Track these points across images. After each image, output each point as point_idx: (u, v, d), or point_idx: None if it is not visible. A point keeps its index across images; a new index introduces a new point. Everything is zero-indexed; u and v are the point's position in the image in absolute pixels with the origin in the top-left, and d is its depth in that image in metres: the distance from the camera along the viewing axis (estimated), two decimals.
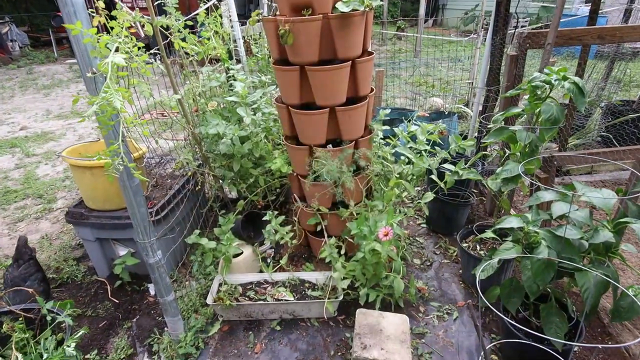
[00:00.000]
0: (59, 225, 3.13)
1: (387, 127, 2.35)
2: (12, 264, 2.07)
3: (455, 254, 2.63)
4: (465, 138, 3.52)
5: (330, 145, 2.12)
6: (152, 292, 2.36)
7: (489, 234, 1.78)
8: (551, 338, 1.29)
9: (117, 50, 1.20)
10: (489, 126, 2.09)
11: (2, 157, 4.51)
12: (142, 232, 1.61)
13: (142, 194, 1.54)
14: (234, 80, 2.47)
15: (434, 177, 2.22)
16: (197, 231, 2.10)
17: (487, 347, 1.74)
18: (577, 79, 1.71)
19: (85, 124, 5.54)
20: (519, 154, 1.88)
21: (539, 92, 1.82)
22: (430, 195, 2.20)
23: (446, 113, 3.59)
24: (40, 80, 8.38)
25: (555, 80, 1.75)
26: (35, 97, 7.13)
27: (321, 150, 2.01)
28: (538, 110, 1.82)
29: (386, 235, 1.73)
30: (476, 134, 3.41)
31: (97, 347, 2.02)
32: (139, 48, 1.38)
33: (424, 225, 2.96)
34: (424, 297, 2.26)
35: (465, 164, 2.27)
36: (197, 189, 2.29)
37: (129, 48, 1.27)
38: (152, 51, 1.67)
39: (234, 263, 2.25)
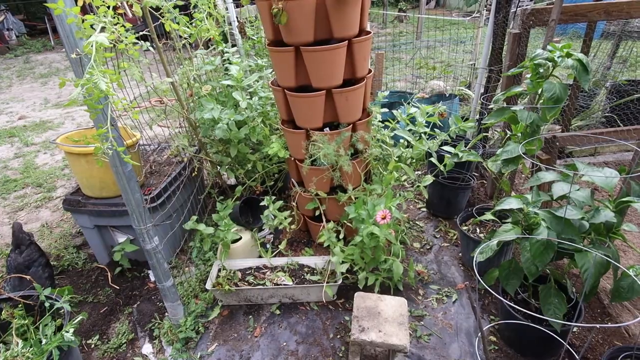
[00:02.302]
0: (59, 214, 3.14)
1: (385, 110, 2.30)
2: (13, 249, 2.07)
3: (455, 237, 2.62)
4: (465, 120, 3.48)
5: (328, 129, 2.08)
6: (152, 279, 2.37)
7: (488, 216, 1.75)
8: (549, 319, 1.28)
9: (103, 30, 1.16)
10: (489, 107, 2.05)
11: (1, 147, 4.50)
12: (138, 218, 1.60)
13: (136, 180, 1.52)
14: (229, 63, 2.42)
15: (433, 159, 2.18)
16: (194, 217, 2.09)
17: (484, 328, 1.74)
18: (581, 55, 1.66)
19: (84, 112, 5.50)
20: (520, 134, 1.84)
21: (541, 70, 1.76)
22: (429, 179, 2.18)
23: (447, 95, 3.52)
24: (37, 69, 8.31)
25: (558, 57, 1.69)
26: (32, 86, 7.08)
27: (318, 134, 1.98)
28: (540, 89, 1.77)
29: (384, 218, 1.71)
30: (477, 116, 3.35)
31: (98, 332, 2.04)
32: (126, 29, 1.34)
33: (424, 209, 2.94)
34: (424, 280, 2.25)
35: (466, 146, 2.23)
36: (193, 175, 2.26)
37: (115, 29, 1.23)
38: (142, 33, 1.62)
39: (232, 248, 2.25)
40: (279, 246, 2.31)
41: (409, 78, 5.51)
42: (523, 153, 1.66)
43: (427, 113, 2.18)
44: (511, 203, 1.46)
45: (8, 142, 4.63)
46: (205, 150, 2.40)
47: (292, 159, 2.28)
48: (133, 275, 2.40)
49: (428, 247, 2.55)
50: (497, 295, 1.11)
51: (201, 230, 2.06)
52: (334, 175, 2.05)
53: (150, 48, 1.53)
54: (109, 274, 2.37)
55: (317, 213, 2.29)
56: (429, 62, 5.30)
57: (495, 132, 3.52)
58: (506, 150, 1.73)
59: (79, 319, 1.52)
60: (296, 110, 2.05)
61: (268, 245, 2.49)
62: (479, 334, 1.84)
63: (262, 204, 2.21)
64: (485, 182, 3.20)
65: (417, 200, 3.08)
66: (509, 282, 1.56)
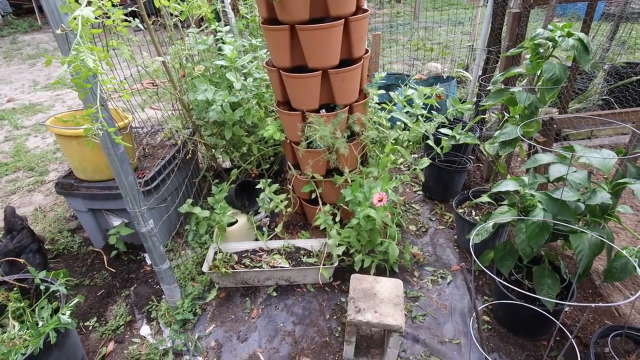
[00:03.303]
0: (52, 198, 3.10)
1: (382, 92, 2.26)
2: (5, 235, 2.05)
3: (450, 220, 2.63)
4: (463, 102, 3.45)
5: (324, 110, 2.05)
6: (149, 262, 2.37)
7: (484, 198, 1.75)
8: (542, 298, 1.29)
9: (89, 4, 1.11)
10: (488, 88, 2.02)
11: None
12: (132, 200, 1.58)
13: (129, 162, 1.49)
14: (223, 43, 2.36)
15: (430, 142, 2.17)
16: (189, 200, 2.07)
17: (479, 308, 1.77)
18: (582, 35, 1.63)
19: (74, 95, 5.38)
20: (518, 117, 1.82)
21: (541, 51, 1.73)
22: (426, 161, 2.16)
23: (444, 77, 3.47)
24: (25, 49, 8.06)
25: (559, 36, 1.66)
26: (20, 68, 6.89)
27: (314, 116, 1.95)
28: (540, 70, 1.74)
29: (380, 200, 1.70)
30: (475, 98, 3.32)
31: (96, 314, 2.05)
32: (113, 4, 1.28)
33: (420, 192, 2.95)
34: (419, 262, 2.28)
35: (463, 128, 2.21)
36: (187, 158, 2.23)
37: (102, 3, 1.18)
38: (130, 9, 1.56)
39: (229, 232, 2.24)
40: (275, 229, 2.31)
41: (406, 60, 5.42)
42: (521, 135, 1.65)
43: (425, 95, 2.15)
44: (508, 185, 1.46)
45: None
46: (199, 133, 2.36)
47: (288, 141, 2.25)
48: (129, 258, 2.39)
49: (424, 230, 2.56)
50: (491, 274, 1.12)
51: (197, 213, 2.05)
52: (331, 158, 2.03)
53: (140, 25, 1.48)
54: (104, 257, 2.37)
55: (313, 196, 2.28)
56: (426, 43, 5.21)
57: (493, 115, 3.50)
58: (504, 133, 1.72)
59: (75, 301, 1.51)
60: (292, 92, 2.01)
61: (264, 229, 2.49)
62: (474, 314, 1.87)
63: (257, 187, 2.19)
64: (481, 165, 3.20)
65: (413, 183, 3.08)
66: (503, 263, 1.58)
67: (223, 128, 2.38)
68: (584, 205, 1.35)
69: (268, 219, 2.62)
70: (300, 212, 2.63)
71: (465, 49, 4.56)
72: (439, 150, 2.14)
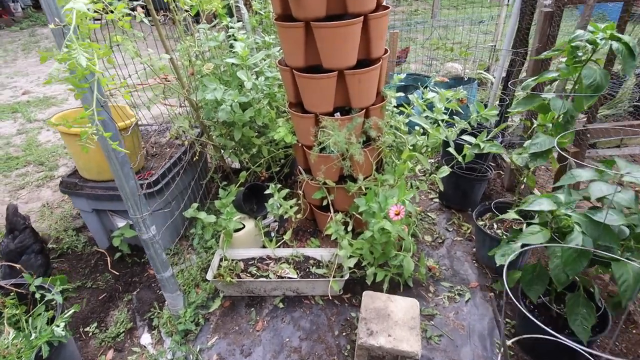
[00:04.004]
0: (60, 194, 3.06)
1: (401, 94, 2.13)
2: (6, 234, 2.00)
3: (469, 231, 2.48)
4: (485, 106, 3.28)
5: (338, 114, 1.93)
6: None
7: (511, 214, 1.61)
8: (576, 330, 1.16)
9: None
10: (516, 93, 1.87)
11: (4, 123, 4.42)
12: (133, 206, 1.49)
13: (130, 166, 1.41)
14: (234, 40, 2.25)
15: (451, 149, 2.03)
16: (195, 204, 1.98)
17: (507, 343, 1.62)
18: (627, 37, 1.47)
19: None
20: (550, 125, 1.67)
21: (579, 54, 1.58)
22: (446, 170, 2.03)
23: (466, 79, 3.31)
24: (43, 42, 8.15)
25: (601, 39, 1.50)
26: (37, 61, 6.94)
27: (328, 119, 1.83)
28: (577, 75, 1.59)
29: (398, 214, 1.58)
30: (497, 102, 3.15)
31: (96, 319, 1.98)
32: None
33: (437, 200, 2.80)
34: (435, 276, 2.14)
35: (487, 135, 2.06)
36: (194, 159, 2.14)
37: None
38: (137, 4, 1.47)
39: (235, 237, 2.15)
40: (284, 236, 2.21)
41: (423, 60, 5.24)
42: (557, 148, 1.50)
43: (447, 99, 2.01)
44: (542, 204, 1.32)
45: (11, 118, 4.54)
46: (207, 134, 2.27)
47: (300, 144, 2.14)
48: (133, 261, 2.32)
49: (440, 241, 2.43)
50: (521, 307, 0.99)
51: (202, 218, 1.95)
52: (344, 165, 1.91)
53: (145, 21, 1.38)
54: (108, 258, 2.31)
55: (324, 203, 2.17)
56: (445, 43, 5.02)
57: (515, 120, 3.32)
58: (535, 143, 1.57)
59: (70, 312, 1.44)
60: (305, 93, 1.90)
61: (272, 234, 2.39)
62: (496, 339, 1.74)
63: (266, 192, 2.08)
64: (502, 172, 3.04)
65: (429, 190, 2.94)
66: (532, 287, 1.44)
67: (232, 129, 2.28)
68: (629, 230, 1.21)
69: (277, 223, 2.52)
70: (311, 217, 2.51)
71: (487, 49, 4.37)
72: (460, 158, 2.00)
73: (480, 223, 2.17)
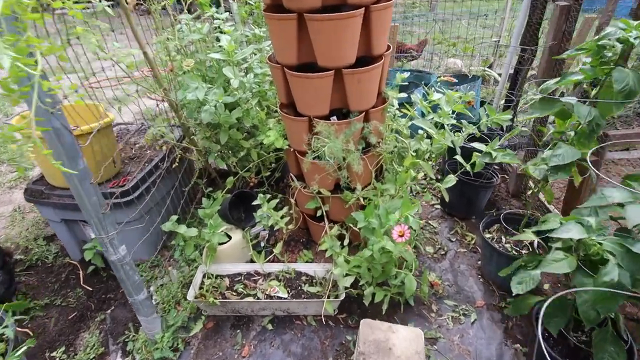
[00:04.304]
0: None
1: (403, 95, 1.93)
2: None
3: (473, 241, 2.32)
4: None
5: (335, 118, 1.73)
6: None
7: (529, 234, 1.44)
8: None
9: None
10: (532, 96, 1.69)
11: None
12: (96, 225, 1.29)
13: (90, 181, 1.20)
14: (221, 32, 2.03)
15: (458, 157, 1.84)
16: (174, 217, 1.78)
17: (508, 355, 1.47)
18: None
19: (74, 81, 5.09)
20: (572, 133, 1.49)
21: (608, 54, 1.39)
22: (452, 179, 1.85)
23: (470, 76, 3.11)
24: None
25: (634, 37, 1.32)
26: None
27: (323, 124, 1.63)
28: (604, 77, 1.41)
29: (402, 235, 1.40)
30: (503, 101, 2.97)
31: (65, 342, 1.78)
32: None
33: (438, 206, 2.63)
34: (437, 293, 1.98)
35: (496, 140, 1.88)
36: (174, 167, 1.93)
37: None
38: None
39: (220, 250, 1.96)
40: (274, 249, 2.02)
41: (423, 55, 5.03)
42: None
43: (455, 100, 1.82)
44: (570, 231, 1.14)
45: None
46: (189, 137, 2.06)
47: (292, 149, 1.94)
48: (108, 274, 2.12)
49: (442, 253, 2.26)
50: (545, 347, 0.82)
51: (182, 233, 1.75)
52: (341, 175, 1.72)
53: (109, 10, 1.17)
54: (81, 272, 2.11)
55: (319, 213, 1.98)
56: (446, 37, 4.82)
57: (519, 121, 3.15)
58: (557, 155, 1.39)
59: (24, 349, 1.24)
60: (297, 94, 1.69)
61: (262, 243, 2.20)
62: None
63: (254, 203, 1.89)
64: (507, 177, 2.87)
65: (427, 192, 2.77)
66: (552, 320, 1.27)
67: (218, 131, 2.07)
68: None
69: (267, 232, 2.33)
70: (304, 226, 2.33)
71: (490, 44, 4.18)
72: (469, 167, 1.82)
73: (488, 236, 2.00)
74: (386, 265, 1.65)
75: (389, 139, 1.84)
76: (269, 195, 1.92)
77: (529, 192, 2.55)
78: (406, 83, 2.04)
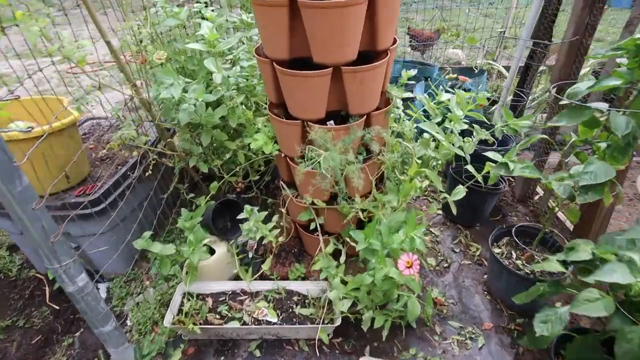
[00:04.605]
0: None
1: (408, 94, 1.72)
2: None
3: (478, 252, 2.15)
4: (494, 103, 2.89)
5: (332, 122, 1.52)
6: (104, 296, 1.90)
7: (553, 264, 1.26)
8: None
9: None
10: (561, 102, 1.50)
11: None
12: (47, 255, 1.07)
13: (33, 206, 0.98)
14: (203, 18, 1.78)
15: (470, 168, 1.65)
16: (147, 233, 1.56)
17: None
18: None
19: (51, 66, 4.73)
20: (604, 145, 1.30)
21: None
22: (461, 191, 1.66)
23: (476, 70, 2.90)
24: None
25: None
26: None
27: (319, 129, 1.42)
28: None
29: (410, 266, 1.21)
30: (510, 98, 2.77)
31: None
32: None
33: (440, 213, 2.46)
34: (441, 313, 1.81)
35: (514, 149, 1.68)
36: (147, 175, 1.71)
37: None
38: None
39: (203, 266, 1.76)
40: (262, 266, 1.82)
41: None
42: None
43: (468, 103, 1.61)
44: (614, 273, 0.95)
45: None
46: (165, 140, 1.82)
47: (283, 155, 1.72)
48: None
49: (445, 265, 2.09)
50: None
51: (156, 252, 1.54)
52: (339, 189, 1.52)
53: None
54: (47, 288, 1.89)
55: (312, 226, 1.78)
56: (448, 25, 4.57)
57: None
58: (588, 172, 1.20)
59: None
60: (289, 94, 1.47)
61: (251, 253, 2.01)
62: None
63: (240, 217, 1.68)
64: (512, 181, 2.70)
65: (430, 199, 2.59)
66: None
67: (200, 131, 1.84)
68: None
69: (255, 242, 2.13)
70: (296, 235, 2.13)
71: (496, 37, 3.95)
72: (480, 178, 1.63)
73: (497, 251, 1.83)
74: (388, 291, 1.47)
75: (392, 146, 1.63)
76: (256, 208, 1.71)
77: (537, 197, 2.39)
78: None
